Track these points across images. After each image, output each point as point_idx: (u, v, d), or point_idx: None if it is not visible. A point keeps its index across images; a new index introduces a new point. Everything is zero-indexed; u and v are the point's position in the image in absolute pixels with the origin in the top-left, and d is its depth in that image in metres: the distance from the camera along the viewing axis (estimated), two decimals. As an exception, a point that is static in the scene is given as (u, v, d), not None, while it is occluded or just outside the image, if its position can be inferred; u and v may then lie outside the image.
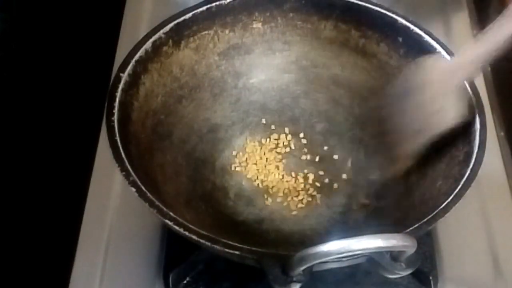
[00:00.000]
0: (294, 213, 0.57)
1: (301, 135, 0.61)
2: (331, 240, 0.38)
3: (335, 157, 0.60)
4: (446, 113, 0.49)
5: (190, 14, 0.55)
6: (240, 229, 0.55)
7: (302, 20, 0.59)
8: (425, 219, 0.44)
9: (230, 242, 0.42)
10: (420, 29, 0.54)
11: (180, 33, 0.55)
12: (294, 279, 0.40)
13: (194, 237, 0.42)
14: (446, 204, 0.45)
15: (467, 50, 0.49)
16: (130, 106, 0.51)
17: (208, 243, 0.42)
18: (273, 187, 0.58)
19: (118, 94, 0.50)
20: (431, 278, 0.54)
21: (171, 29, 0.54)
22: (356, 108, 0.60)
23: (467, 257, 0.57)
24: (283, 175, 0.59)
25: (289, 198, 0.57)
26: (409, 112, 0.51)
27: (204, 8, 0.56)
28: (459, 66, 0.49)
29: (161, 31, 0.54)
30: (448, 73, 0.50)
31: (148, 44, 0.53)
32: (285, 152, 0.60)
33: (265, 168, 0.59)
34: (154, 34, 0.54)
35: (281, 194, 0.58)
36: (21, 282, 0.64)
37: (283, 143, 0.61)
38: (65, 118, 0.74)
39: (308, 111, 0.62)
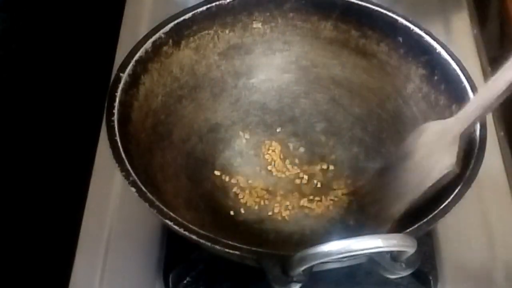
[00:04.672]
0: (294, 213, 0.57)
1: (301, 135, 0.61)
2: (331, 240, 0.38)
3: (335, 157, 0.60)
4: (440, 165, 0.49)
5: (190, 14, 0.55)
6: (240, 229, 0.55)
7: (302, 20, 0.59)
8: (425, 219, 0.44)
9: (230, 242, 0.42)
10: (420, 29, 0.54)
11: (180, 33, 0.55)
12: (294, 279, 0.40)
13: (194, 237, 0.42)
14: (446, 204, 0.45)
15: (466, 108, 0.49)
16: (130, 106, 0.51)
17: (208, 243, 0.42)
18: (273, 187, 0.58)
19: (118, 94, 0.50)
20: (431, 278, 0.54)
21: (171, 29, 0.54)
22: (356, 108, 0.60)
23: (467, 257, 0.57)
24: (283, 175, 0.59)
25: (289, 198, 0.57)
26: (406, 174, 0.52)
27: (204, 8, 0.56)
28: (453, 124, 0.49)
29: (161, 31, 0.54)
30: (442, 131, 0.50)
31: (148, 44, 0.53)
32: (285, 152, 0.60)
33: (265, 168, 0.59)
34: (154, 34, 0.54)
35: (281, 194, 0.58)
36: (21, 282, 0.64)
37: (283, 143, 0.61)
38: (65, 118, 0.74)
39: (308, 111, 0.62)
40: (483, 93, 0.48)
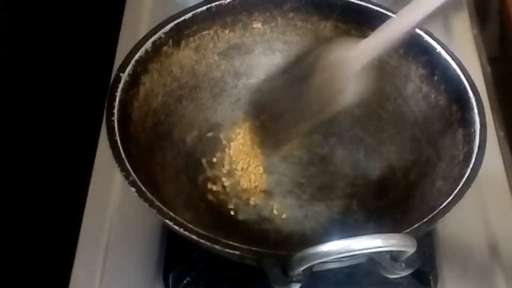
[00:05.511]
0: (294, 213, 0.57)
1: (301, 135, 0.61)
2: (331, 240, 0.38)
3: (335, 157, 0.60)
4: (344, 95, 0.49)
5: (190, 14, 0.55)
6: (240, 229, 0.55)
7: (302, 20, 0.59)
8: (425, 219, 0.44)
9: (230, 242, 0.42)
10: (420, 29, 0.54)
11: (180, 33, 0.55)
12: (294, 279, 0.40)
13: (194, 237, 0.42)
14: (446, 204, 0.45)
15: (370, 38, 0.50)
16: (130, 106, 0.51)
17: (208, 243, 0.42)
18: (273, 187, 0.58)
19: (118, 94, 0.50)
20: (431, 278, 0.54)
21: (171, 29, 0.54)
22: (356, 108, 0.60)
23: (467, 257, 0.57)
24: (283, 175, 0.59)
25: (289, 198, 0.57)
26: (309, 93, 0.52)
27: (204, 8, 0.56)
28: (360, 52, 0.50)
29: (161, 31, 0.54)
30: (350, 58, 0.50)
31: (148, 44, 0.53)
32: (285, 152, 0.60)
33: (265, 168, 0.59)
34: (154, 34, 0.54)
35: (281, 194, 0.58)
36: (21, 282, 0.64)
37: (283, 143, 0.61)
38: (65, 118, 0.74)
39: (308, 111, 0.62)
40: (391, 27, 0.49)
